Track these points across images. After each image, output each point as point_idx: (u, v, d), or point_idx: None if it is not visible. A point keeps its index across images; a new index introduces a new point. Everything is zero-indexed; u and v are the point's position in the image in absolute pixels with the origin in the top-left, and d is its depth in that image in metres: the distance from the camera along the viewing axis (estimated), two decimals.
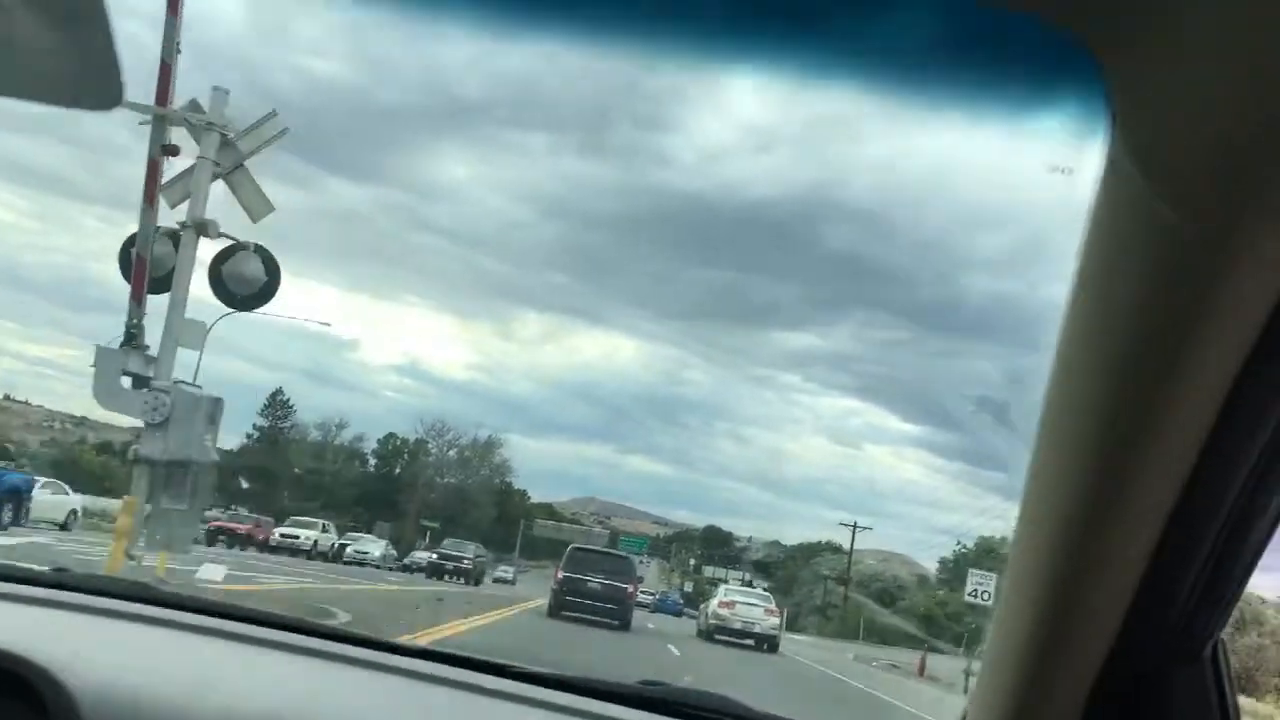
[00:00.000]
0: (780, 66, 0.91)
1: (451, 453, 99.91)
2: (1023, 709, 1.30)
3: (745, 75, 0.92)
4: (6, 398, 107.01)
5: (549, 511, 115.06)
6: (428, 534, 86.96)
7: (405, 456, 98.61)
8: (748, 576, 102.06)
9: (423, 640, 9.38)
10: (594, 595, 24.54)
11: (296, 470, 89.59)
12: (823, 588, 72.93)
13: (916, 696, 23.03)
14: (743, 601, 29.27)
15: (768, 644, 28.04)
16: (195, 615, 2.00)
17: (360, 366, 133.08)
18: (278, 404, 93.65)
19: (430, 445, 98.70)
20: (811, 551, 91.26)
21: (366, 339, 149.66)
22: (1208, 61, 0.76)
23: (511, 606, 27.54)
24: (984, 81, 0.90)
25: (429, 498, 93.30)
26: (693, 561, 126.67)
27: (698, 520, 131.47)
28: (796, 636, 53.39)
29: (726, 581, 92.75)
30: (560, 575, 25.45)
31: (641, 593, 78.24)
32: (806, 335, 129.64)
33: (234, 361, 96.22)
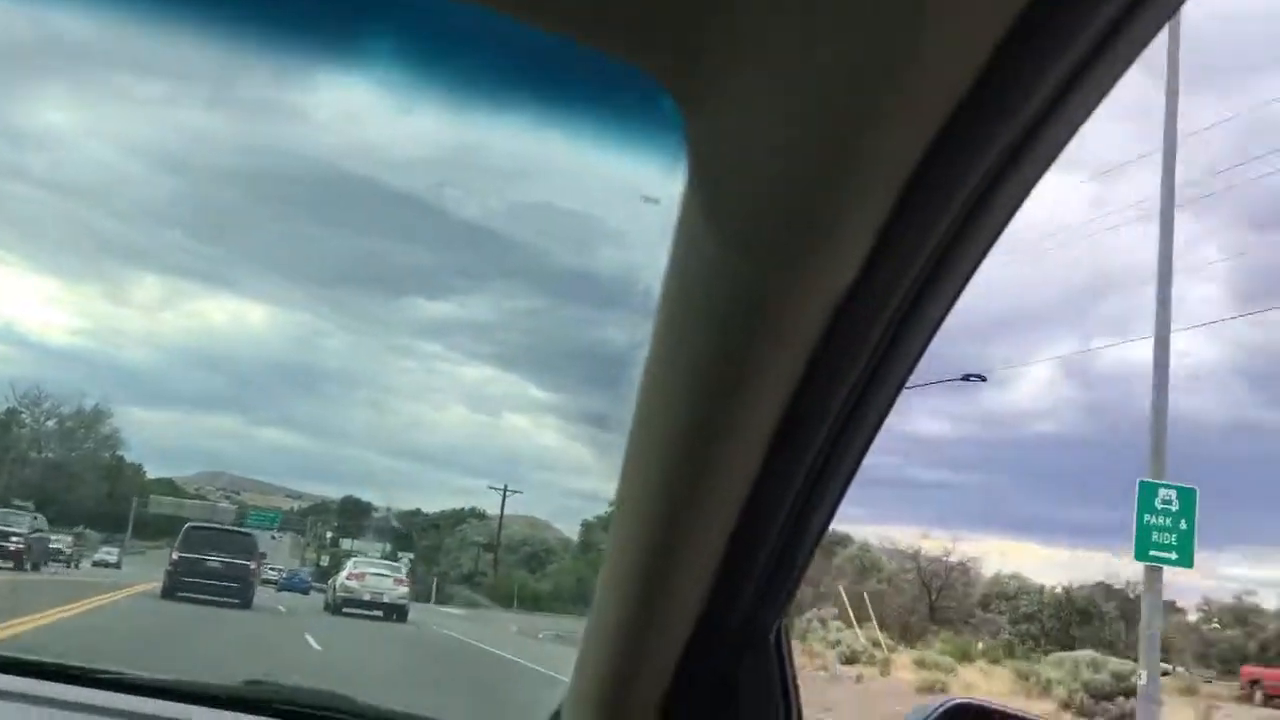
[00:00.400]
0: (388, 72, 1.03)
1: (50, 423, 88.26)
2: (610, 699, 1.35)
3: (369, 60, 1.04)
4: None
5: (170, 487, 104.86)
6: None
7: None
8: (388, 548, 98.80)
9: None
10: (213, 574, 23.89)
11: None
12: (471, 555, 71.38)
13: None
14: (372, 573, 29.49)
15: (397, 614, 28.00)
16: None
17: (30, 400, 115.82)
18: None
19: (24, 415, 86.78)
20: (457, 519, 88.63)
21: None
22: (770, 121, 0.84)
23: (114, 591, 24.84)
24: (578, 107, 1.00)
25: (22, 474, 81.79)
26: (329, 535, 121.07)
27: (335, 492, 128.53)
28: (449, 609, 51.60)
29: (365, 554, 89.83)
30: (175, 556, 24.68)
31: (270, 569, 72.53)
32: (447, 304, 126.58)
33: None
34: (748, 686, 1.33)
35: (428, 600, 61.75)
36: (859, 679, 25.79)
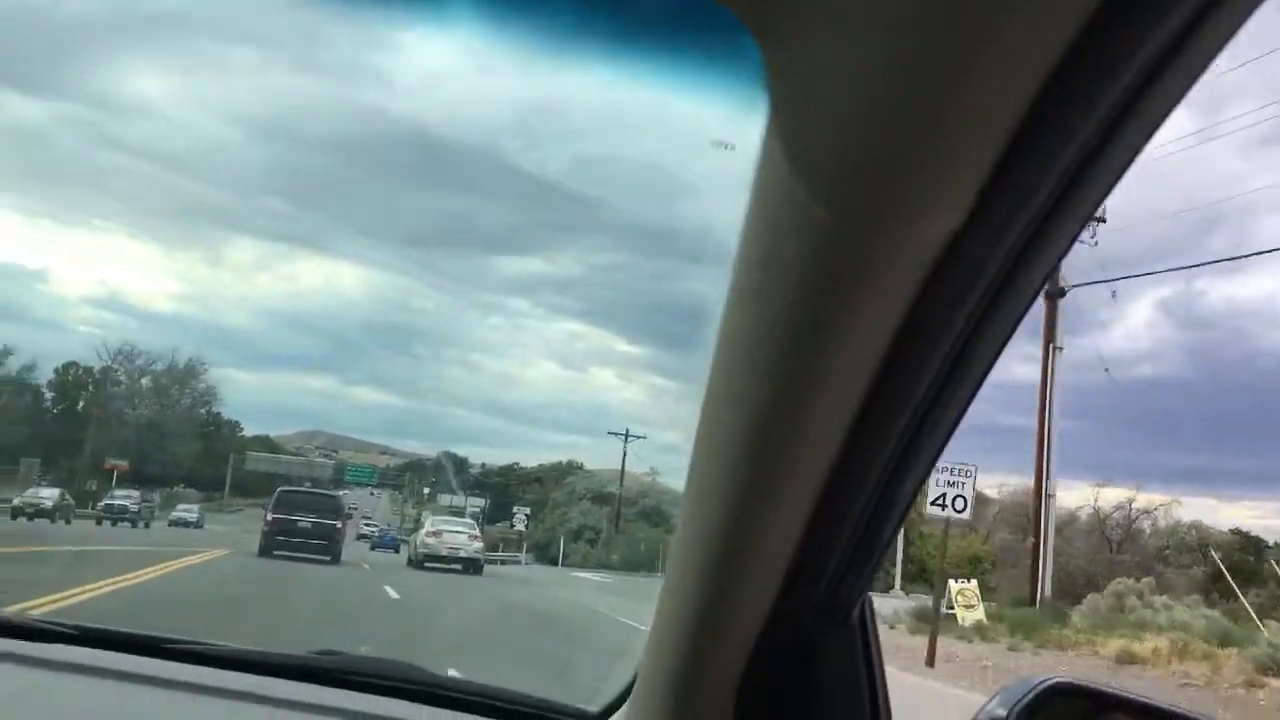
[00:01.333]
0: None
1: (145, 380, 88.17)
2: (686, 673, 1.33)
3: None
4: None
5: (267, 445, 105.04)
6: (114, 476, 76.74)
7: (90, 388, 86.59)
8: (487, 503, 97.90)
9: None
10: (304, 534, 25.26)
11: None
12: (581, 510, 65.09)
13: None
14: (449, 530, 31.07)
15: (473, 567, 29.56)
16: None
17: (53, 300, 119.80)
18: None
19: (119, 373, 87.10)
20: (559, 472, 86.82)
21: (57, 270, 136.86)
22: (860, 55, 0.78)
23: (165, 564, 21.23)
24: (654, 50, 1.00)
25: (119, 434, 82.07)
26: (426, 490, 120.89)
27: (429, 449, 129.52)
28: (585, 575, 46.20)
29: (465, 510, 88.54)
30: (270, 517, 26.24)
31: (366, 525, 77.45)
32: (533, 260, 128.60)
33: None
34: (829, 662, 1.31)
35: (552, 562, 57.41)
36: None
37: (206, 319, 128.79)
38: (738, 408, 1.08)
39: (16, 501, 42.45)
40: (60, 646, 1.77)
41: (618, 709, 1.68)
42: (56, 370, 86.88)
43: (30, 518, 39.82)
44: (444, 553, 29.60)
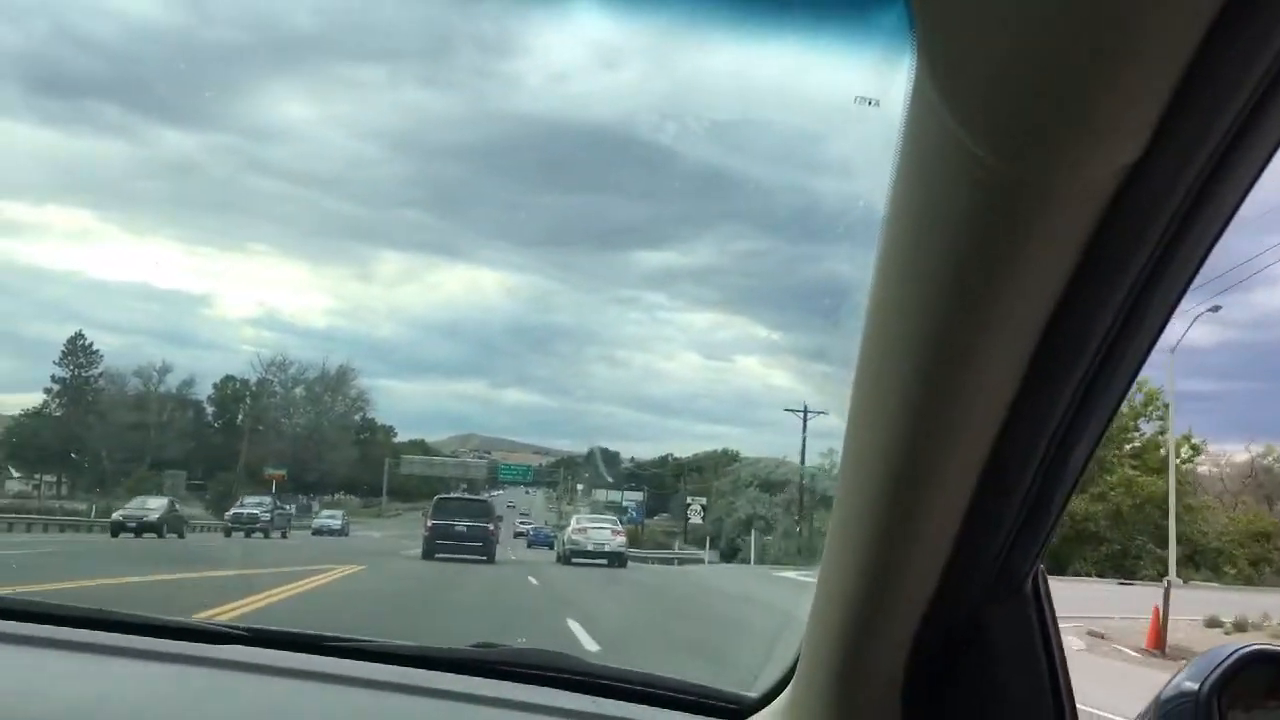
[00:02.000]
0: None
1: (298, 390, 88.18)
2: (852, 650, 1.30)
3: None
4: None
5: (422, 449, 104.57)
6: (274, 486, 76.62)
7: (247, 400, 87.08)
8: (643, 496, 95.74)
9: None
10: (460, 537, 27.46)
11: (110, 427, 77.69)
12: (750, 499, 58.55)
13: None
14: (593, 527, 32.95)
15: (617, 561, 31.08)
16: None
17: (215, 322, 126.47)
18: (78, 350, 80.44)
19: (274, 384, 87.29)
20: (719, 461, 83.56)
21: (219, 293, 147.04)
22: None
23: (294, 584, 17.66)
24: (784, 13, 0.97)
25: (276, 444, 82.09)
26: (580, 487, 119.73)
27: (578, 447, 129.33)
28: (788, 574, 34.75)
29: (621, 502, 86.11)
30: (429, 523, 28.49)
31: (522, 524, 79.06)
32: (669, 253, 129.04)
33: (78, 327, 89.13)
34: (1001, 636, 1.26)
35: (729, 557, 51.78)
36: None
37: (359, 332, 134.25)
38: (894, 381, 1.03)
39: (116, 515, 36.73)
40: (235, 647, 1.84)
41: (779, 693, 1.66)
42: (215, 385, 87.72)
43: (136, 533, 34.16)
44: (589, 548, 31.19)
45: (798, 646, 1.48)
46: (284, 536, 42.19)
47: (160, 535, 34.51)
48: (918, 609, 1.22)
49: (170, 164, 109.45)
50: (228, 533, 40.13)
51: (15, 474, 69.92)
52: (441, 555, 26.71)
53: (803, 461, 54.46)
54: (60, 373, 78.72)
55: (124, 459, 75.20)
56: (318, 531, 48.43)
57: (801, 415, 53.26)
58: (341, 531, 50.20)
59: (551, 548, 53.42)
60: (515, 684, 1.85)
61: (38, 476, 70.78)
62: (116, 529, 34.53)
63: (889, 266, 0.98)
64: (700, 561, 46.49)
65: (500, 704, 1.76)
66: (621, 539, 32.85)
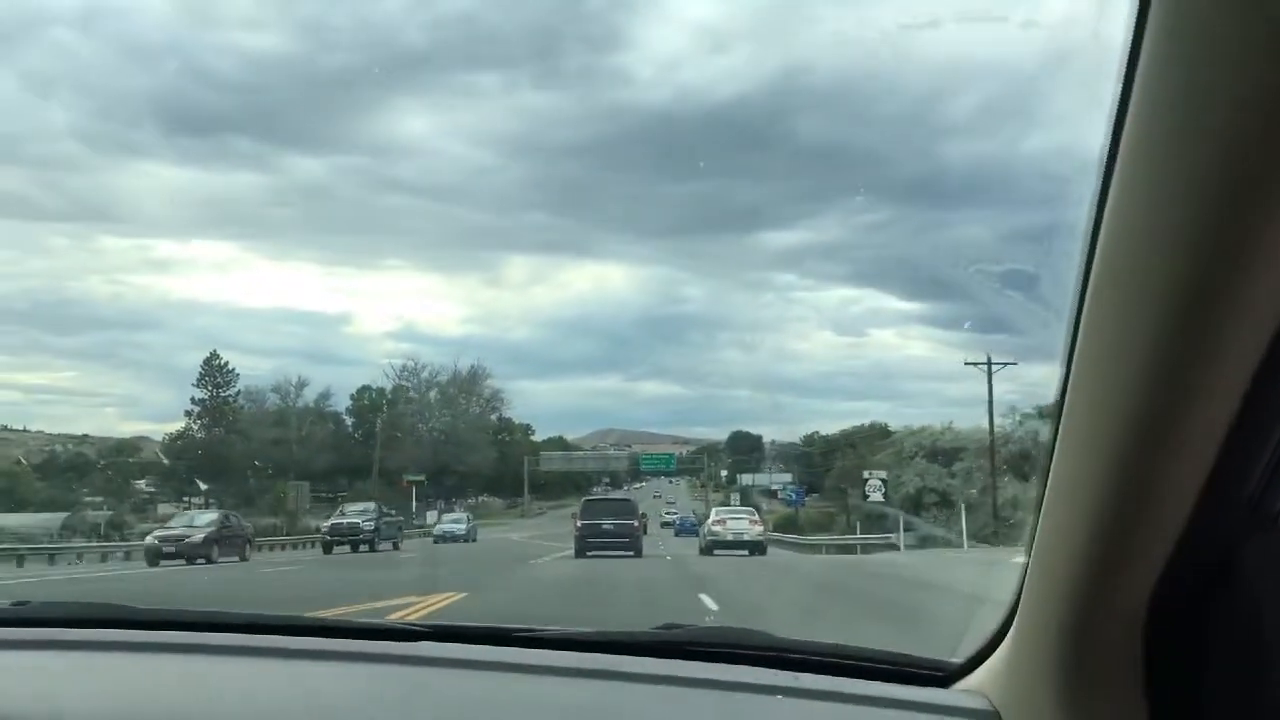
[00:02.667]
0: None
1: (432, 393, 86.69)
2: (1083, 607, 1.25)
3: None
4: (4, 428, 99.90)
5: (561, 446, 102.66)
6: (413, 493, 75.02)
7: (384, 408, 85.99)
8: (792, 477, 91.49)
9: None
10: (608, 534, 29.02)
11: (251, 444, 77.17)
12: (918, 470, 50.98)
13: None
14: (731, 518, 34.23)
15: (757, 549, 31.93)
16: (174, 633, 1.91)
17: (356, 339, 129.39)
18: (214, 370, 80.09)
19: (408, 390, 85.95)
20: (868, 435, 78.83)
21: (357, 310, 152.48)
22: None
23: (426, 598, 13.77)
24: None
25: (413, 450, 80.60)
26: (724, 473, 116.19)
27: (718, 434, 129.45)
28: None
29: (770, 485, 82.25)
30: (579, 524, 30.00)
31: (668, 513, 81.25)
32: (794, 232, 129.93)
33: (228, 354, 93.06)
34: (1256, 574, 1.16)
35: (924, 541, 41.85)
36: None
37: (493, 336, 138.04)
38: (1137, 316, 0.98)
39: (150, 540, 31.68)
40: (424, 644, 1.85)
41: (987, 657, 1.60)
42: (353, 396, 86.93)
43: (188, 558, 29.12)
44: (729, 538, 31.89)
45: (1008, 606, 1.45)
46: (395, 547, 37.86)
47: (210, 560, 29.38)
48: (1164, 547, 1.14)
49: (303, 189, 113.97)
50: (327, 548, 35.97)
51: (160, 497, 69.75)
52: (592, 554, 28.21)
53: (990, 421, 46.74)
54: (199, 394, 78.83)
55: (269, 474, 74.60)
56: (440, 539, 42.88)
57: (985, 367, 44.96)
58: (467, 537, 44.65)
59: (696, 534, 51.76)
60: (705, 663, 1.80)
61: (186, 499, 70.47)
62: (154, 557, 29.79)
63: (1125, 205, 0.94)
64: (892, 547, 38.94)
65: (693, 684, 1.71)
66: (759, 528, 33.52)
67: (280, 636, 1.91)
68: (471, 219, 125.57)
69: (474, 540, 44.32)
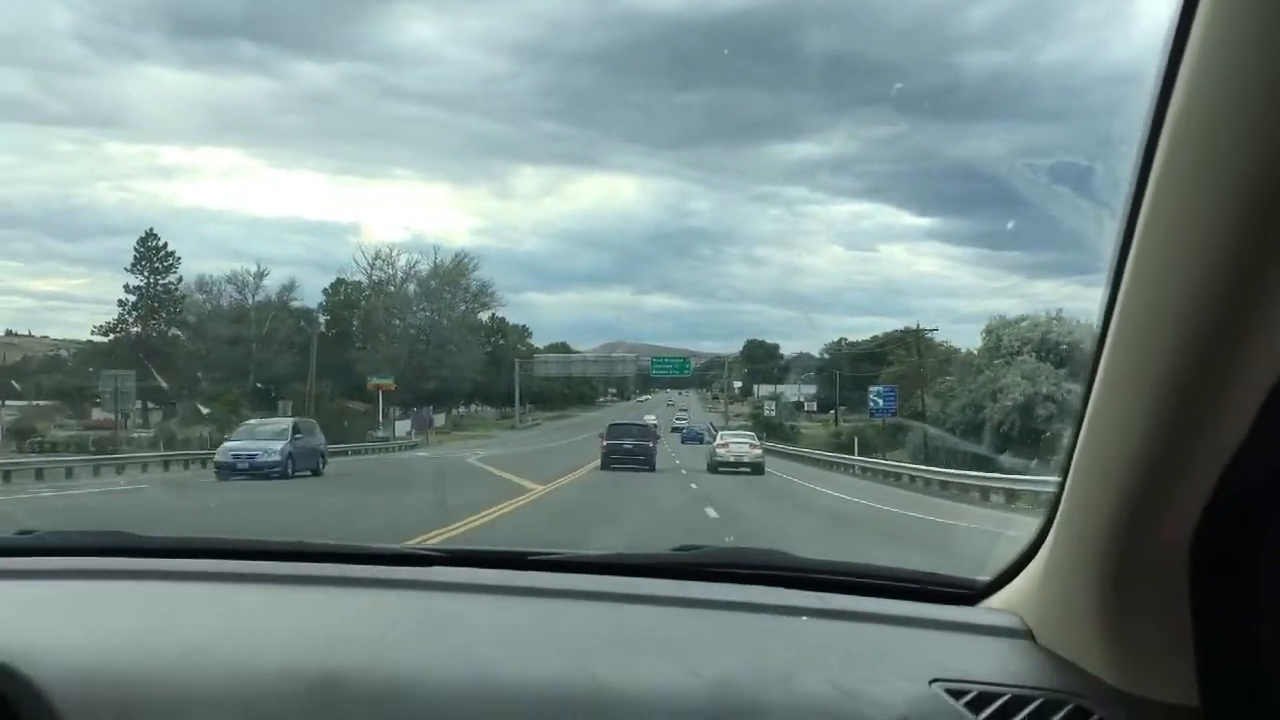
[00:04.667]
0: None
1: (411, 286, 74.69)
2: (1121, 533, 1.20)
3: None
4: (8, 333, 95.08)
5: (563, 350, 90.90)
6: (380, 399, 63.61)
7: (362, 305, 74.16)
8: (815, 389, 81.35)
9: None
10: (629, 453, 32.43)
11: (204, 342, 65.63)
12: (1031, 371, 36.87)
13: None
14: (734, 441, 35.95)
15: (755, 469, 33.46)
16: (182, 560, 1.90)
17: (362, 250, 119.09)
18: (151, 252, 66.39)
19: (387, 285, 73.79)
20: (910, 340, 67.02)
21: (366, 220, 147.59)
22: None
23: None
24: None
25: (388, 350, 68.87)
26: (738, 385, 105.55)
27: (726, 348, 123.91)
28: None
29: (799, 398, 70.22)
30: (604, 443, 33.28)
31: (678, 420, 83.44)
32: (805, 144, 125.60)
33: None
34: None
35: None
36: None
37: (504, 249, 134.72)
38: (1197, 215, 0.93)
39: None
40: (439, 568, 1.82)
41: (1014, 576, 1.58)
42: (327, 290, 74.97)
43: None
44: (731, 460, 33.65)
45: (1038, 527, 1.42)
46: (317, 473, 27.47)
47: None
48: (1212, 474, 1.08)
49: (310, 96, 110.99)
50: (222, 474, 25.19)
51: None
52: (615, 467, 30.73)
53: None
54: (135, 281, 66.68)
55: (219, 378, 63.19)
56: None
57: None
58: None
59: (702, 442, 55.65)
60: (727, 584, 1.76)
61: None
62: None
63: (1179, 138, 0.90)
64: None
65: (712, 605, 1.67)
66: (758, 451, 34.95)
67: (291, 563, 1.86)
68: (481, 128, 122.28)
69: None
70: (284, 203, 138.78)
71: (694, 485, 24.66)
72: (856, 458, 40.63)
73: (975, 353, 46.41)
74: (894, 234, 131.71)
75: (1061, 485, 1.30)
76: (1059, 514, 1.32)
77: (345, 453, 40.21)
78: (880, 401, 53.34)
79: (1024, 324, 40.58)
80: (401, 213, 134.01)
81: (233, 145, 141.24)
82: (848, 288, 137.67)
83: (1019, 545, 1.53)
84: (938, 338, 62.22)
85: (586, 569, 1.82)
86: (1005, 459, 31.88)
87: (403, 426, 64.66)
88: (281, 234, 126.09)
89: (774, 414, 72.13)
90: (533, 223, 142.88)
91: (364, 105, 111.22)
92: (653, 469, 30.86)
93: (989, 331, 42.23)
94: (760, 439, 39.53)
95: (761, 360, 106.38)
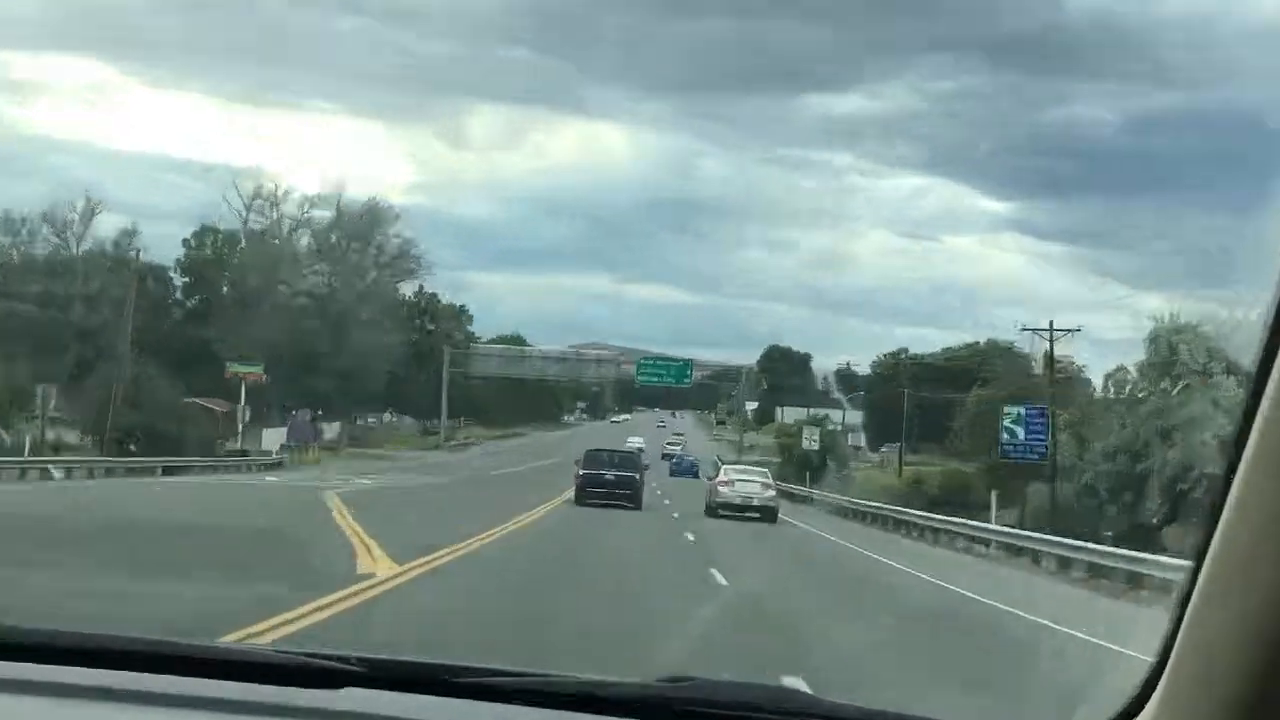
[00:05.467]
0: None
1: (303, 239, 53.75)
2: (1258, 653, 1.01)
3: None
4: None
5: (516, 344, 69.67)
6: (243, 391, 43.42)
7: (235, 262, 53.52)
8: (859, 416, 61.48)
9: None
10: (610, 485, 29.67)
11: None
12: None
13: None
14: (741, 479, 31.84)
15: (767, 515, 30.21)
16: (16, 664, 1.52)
17: (262, 203, 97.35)
18: None
19: (266, 232, 52.96)
20: (989, 355, 48.53)
21: (268, 164, 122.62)
22: None
23: None
24: None
25: (263, 328, 48.11)
26: (751, 407, 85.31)
27: (736, 357, 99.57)
28: None
29: (842, 425, 61.75)
30: (580, 473, 30.51)
31: (669, 444, 73.68)
32: (850, 96, 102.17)
33: (112, 217, 67.64)
34: None
35: None
36: None
37: (445, 209, 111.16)
38: None
39: None
40: (351, 691, 1.50)
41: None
42: (188, 241, 54.26)
43: None
44: (737, 501, 30.19)
45: (1150, 665, 1.13)
46: None
47: None
48: None
49: None
50: None
51: None
52: (592, 502, 28.52)
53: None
54: None
55: (20, 352, 44.33)
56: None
57: None
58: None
59: (696, 476, 50.40)
60: None
61: None
62: None
63: None
64: None
65: None
66: (771, 492, 31.32)
67: (153, 676, 1.51)
68: (432, 52, 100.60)
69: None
70: (159, 135, 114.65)
71: (689, 535, 22.06)
72: (992, 526, 28.00)
73: (1124, 372, 37.28)
74: (962, 220, 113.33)
75: (1182, 614, 1.04)
76: (1174, 651, 1.06)
77: (154, 470, 33.54)
78: (1020, 432, 37.24)
79: (1206, 329, 30.65)
80: (315, 155, 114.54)
81: (93, 54, 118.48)
82: (893, 287, 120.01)
83: (1128, 686, 1.17)
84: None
85: (539, 700, 1.53)
86: (1173, 533, 24.48)
87: (275, 437, 45.80)
88: (154, 172, 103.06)
89: (816, 447, 51.46)
90: (486, 179, 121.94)
91: (273, 11, 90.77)
92: (638, 507, 29.45)
93: (1153, 339, 32.64)
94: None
95: (786, 374, 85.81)
